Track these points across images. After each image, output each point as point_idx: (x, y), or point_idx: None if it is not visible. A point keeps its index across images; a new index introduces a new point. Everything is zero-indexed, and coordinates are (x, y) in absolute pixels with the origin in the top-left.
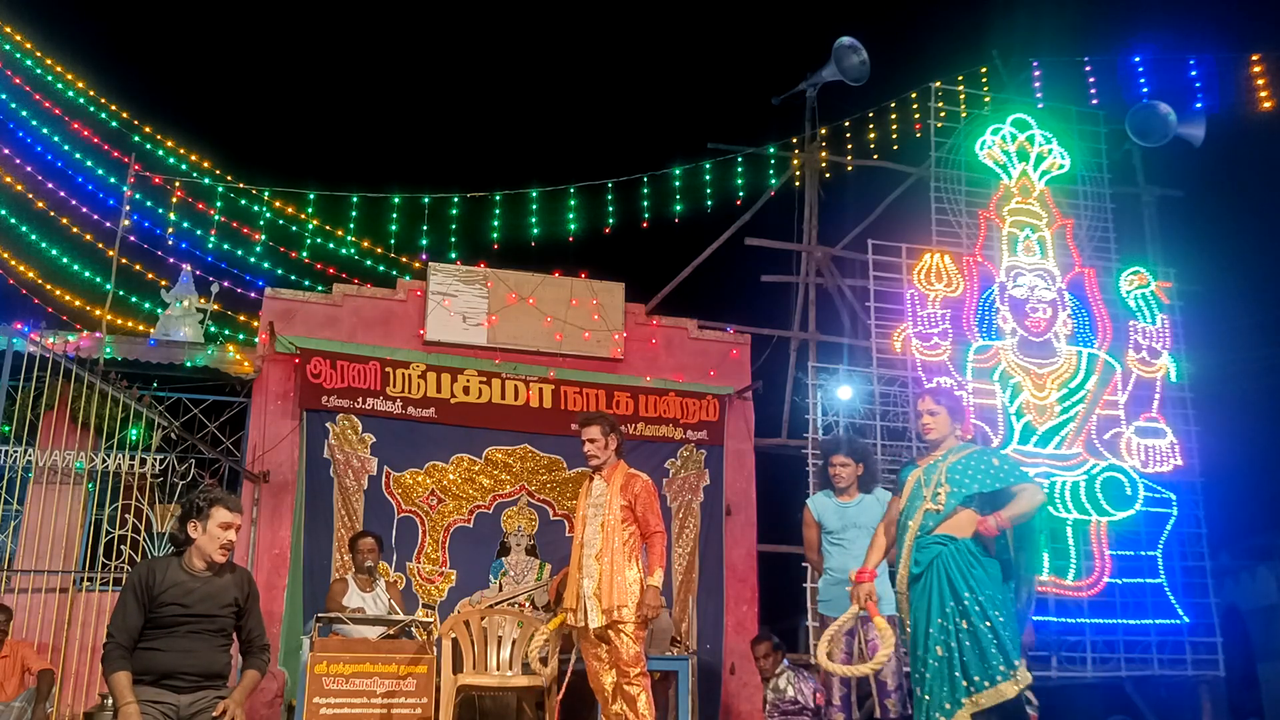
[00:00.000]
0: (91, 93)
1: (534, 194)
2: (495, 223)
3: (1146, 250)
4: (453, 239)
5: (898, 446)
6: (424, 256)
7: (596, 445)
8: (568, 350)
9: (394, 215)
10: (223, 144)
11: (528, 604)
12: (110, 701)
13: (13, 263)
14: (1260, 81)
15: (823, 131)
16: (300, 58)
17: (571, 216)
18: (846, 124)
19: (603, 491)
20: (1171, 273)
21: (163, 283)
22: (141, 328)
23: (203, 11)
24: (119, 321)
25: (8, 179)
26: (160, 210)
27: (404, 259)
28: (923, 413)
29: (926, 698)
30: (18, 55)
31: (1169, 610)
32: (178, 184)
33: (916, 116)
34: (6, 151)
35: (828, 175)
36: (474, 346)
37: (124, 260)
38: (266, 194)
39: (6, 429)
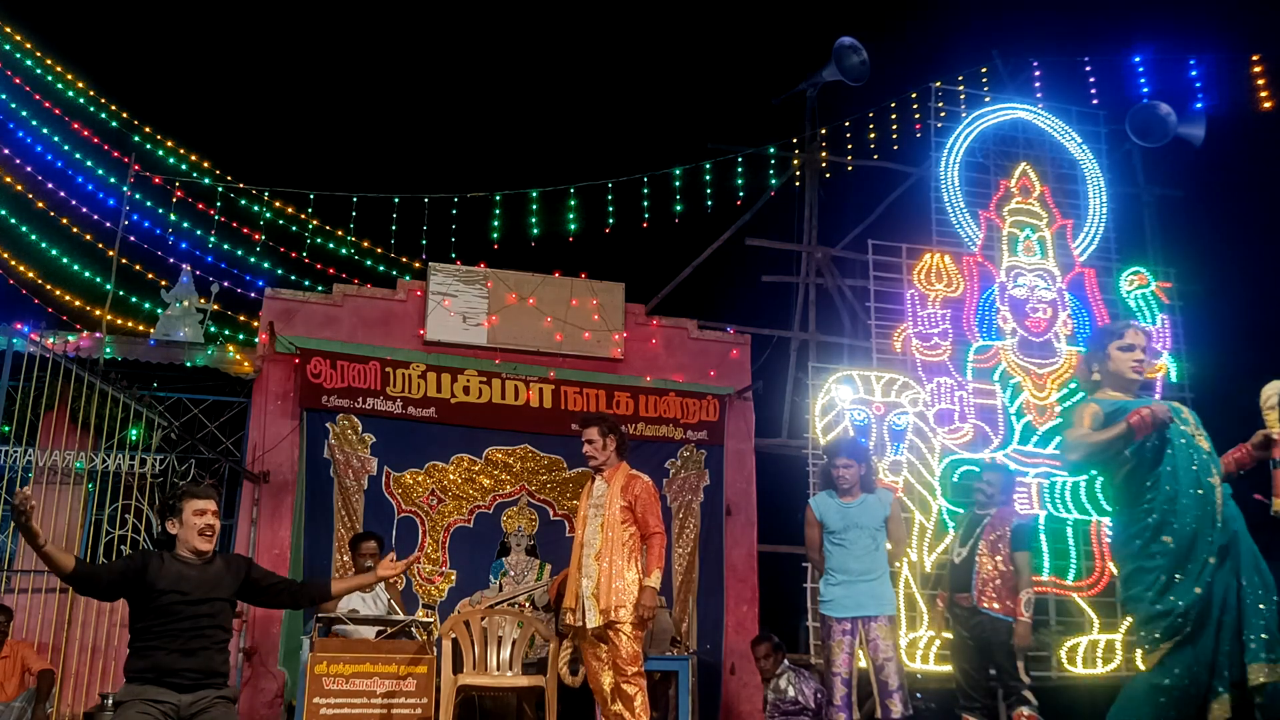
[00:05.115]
0: (91, 93)
1: (534, 194)
2: (495, 223)
3: (1146, 250)
4: (453, 239)
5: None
6: (424, 256)
7: (595, 446)
8: (568, 350)
9: (394, 215)
10: (223, 144)
11: (528, 604)
12: (110, 701)
13: (13, 263)
14: (1260, 81)
15: (823, 131)
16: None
17: (571, 216)
18: (846, 124)
19: (603, 492)
20: (1171, 273)
21: (163, 283)
22: (141, 328)
23: (203, 12)
24: (119, 321)
25: (8, 179)
26: (160, 210)
27: (404, 259)
28: (1144, 350)
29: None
30: (18, 55)
31: None
32: (178, 184)
33: (916, 116)
34: (6, 151)
35: (828, 175)
36: (474, 346)
37: (124, 260)
38: (266, 194)
39: (6, 429)
